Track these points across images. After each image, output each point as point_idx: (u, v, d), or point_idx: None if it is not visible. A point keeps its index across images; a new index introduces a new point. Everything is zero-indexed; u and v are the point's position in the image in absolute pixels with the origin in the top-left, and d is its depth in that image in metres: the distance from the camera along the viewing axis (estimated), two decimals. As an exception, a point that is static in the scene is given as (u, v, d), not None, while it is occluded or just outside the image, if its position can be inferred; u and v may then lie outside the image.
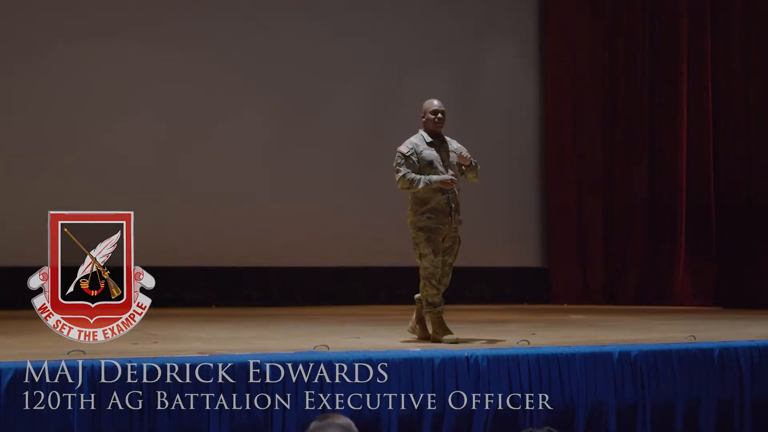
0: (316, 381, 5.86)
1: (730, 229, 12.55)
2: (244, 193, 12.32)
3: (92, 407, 5.37)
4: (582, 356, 6.55)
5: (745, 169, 12.47)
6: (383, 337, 7.86)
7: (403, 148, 7.43)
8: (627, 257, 13.38)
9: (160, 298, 11.81)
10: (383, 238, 12.50)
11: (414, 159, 7.37)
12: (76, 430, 5.35)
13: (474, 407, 6.21)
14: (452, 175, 7.38)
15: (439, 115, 7.53)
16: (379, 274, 12.61)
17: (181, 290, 12.11)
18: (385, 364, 6.05)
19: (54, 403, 5.32)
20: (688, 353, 6.85)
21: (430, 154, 7.40)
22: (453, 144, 7.57)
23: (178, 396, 5.57)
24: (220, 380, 5.67)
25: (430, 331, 7.41)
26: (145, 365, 5.53)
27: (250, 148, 12.42)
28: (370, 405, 5.97)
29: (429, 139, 7.47)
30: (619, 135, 13.53)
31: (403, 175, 7.33)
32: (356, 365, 5.98)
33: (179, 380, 5.59)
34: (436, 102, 7.62)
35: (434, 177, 7.32)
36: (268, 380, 5.75)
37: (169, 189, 12.07)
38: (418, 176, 7.31)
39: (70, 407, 5.34)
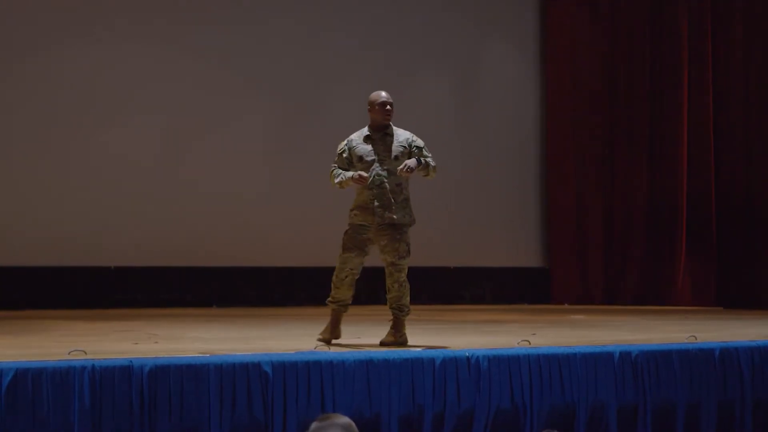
0: (316, 381, 5.86)
1: (730, 229, 12.56)
2: (245, 193, 12.32)
3: (93, 407, 5.37)
4: (583, 356, 6.54)
5: (745, 169, 12.47)
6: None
7: (339, 145, 7.26)
8: (627, 257, 13.38)
9: (160, 298, 12.00)
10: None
11: (345, 156, 7.18)
12: (76, 430, 5.34)
13: (474, 407, 6.21)
14: (386, 170, 7.06)
15: (388, 106, 7.23)
16: (378, 274, 12.58)
17: (181, 290, 12.12)
18: (386, 364, 6.05)
19: (55, 403, 5.31)
20: (689, 354, 6.85)
21: (364, 149, 7.15)
22: (400, 137, 7.21)
23: (178, 396, 5.57)
24: (220, 380, 5.66)
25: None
26: (145, 365, 5.52)
27: (251, 148, 12.42)
28: (371, 405, 5.97)
29: (367, 133, 7.22)
30: (619, 135, 13.54)
31: (331, 171, 7.19)
32: (356, 365, 5.98)
33: (179, 380, 5.58)
34: (384, 93, 7.32)
35: (348, 173, 7.06)
36: (268, 380, 5.75)
37: (169, 189, 12.07)
38: (340, 172, 7.12)
39: (70, 407, 5.33)
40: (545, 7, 13.97)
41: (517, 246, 13.79)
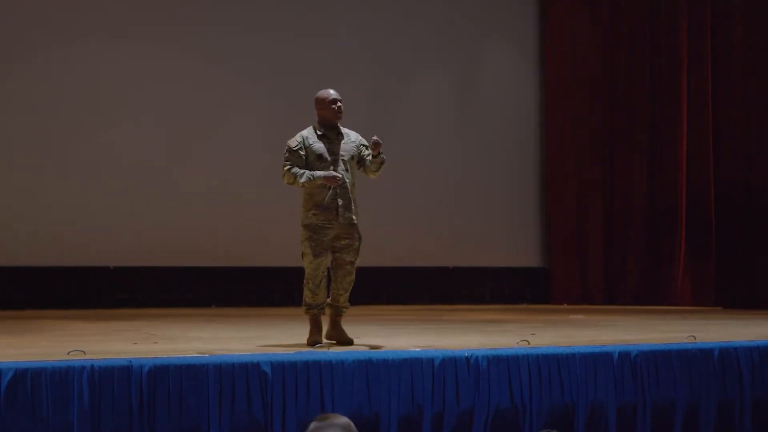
0: (315, 381, 5.86)
1: (729, 229, 12.55)
2: (244, 193, 12.32)
3: (92, 407, 5.37)
4: (582, 356, 6.54)
5: (745, 169, 12.47)
6: (383, 337, 7.86)
7: (292, 142, 7.18)
8: (627, 257, 13.39)
9: (160, 298, 12.00)
10: (382, 239, 12.49)
11: (302, 153, 7.11)
12: (76, 430, 5.35)
13: (474, 407, 6.21)
14: (344, 169, 7.07)
15: (339, 104, 7.17)
16: (378, 274, 12.59)
17: (181, 290, 12.12)
18: (385, 364, 6.05)
19: (54, 403, 5.31)
20: (688, 353, 6.85)
21: (320, 147, 7.11)
22: (351, 136, 7.23)
23: (177, 396, 5.57)
24: (219, 380, 5.66)
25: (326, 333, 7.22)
26: (145, 365, 5.53)
27: (250, 148, 12.41)
28: (370, 405, 5.97)
29: (320, 132, 7.17)
30: (619, 135, 13.54)
31: (288, 169, 7.08)
32: (355, 365, 5.98)
33: (179, 380, 5.58)
34: (332, 91, 7.22)
35: (318, 172, 6.98)
36: (267, 380, 5.75)
37: (169, 189, 12.07)
38: (303, 171, 7.03)
39: (70, 407, 5.34)
40: (545, 7, 13.97)
41: (517, 246, 13.79)
